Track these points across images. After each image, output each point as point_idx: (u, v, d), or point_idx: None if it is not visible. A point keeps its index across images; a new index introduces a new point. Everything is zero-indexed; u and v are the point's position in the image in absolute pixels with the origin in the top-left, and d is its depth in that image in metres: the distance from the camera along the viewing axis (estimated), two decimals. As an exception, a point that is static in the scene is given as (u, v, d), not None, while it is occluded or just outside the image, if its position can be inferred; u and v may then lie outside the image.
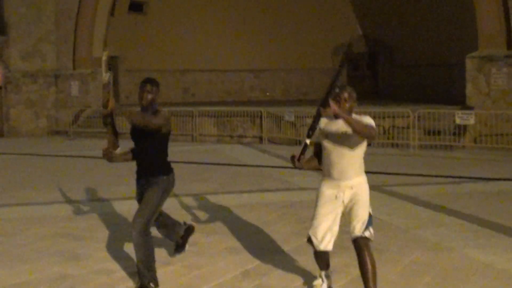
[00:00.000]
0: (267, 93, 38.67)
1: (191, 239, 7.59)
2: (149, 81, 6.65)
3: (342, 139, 5.85)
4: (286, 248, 8.16)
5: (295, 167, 6.12)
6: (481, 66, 21.66)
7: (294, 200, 11.57)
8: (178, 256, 7.34)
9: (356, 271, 6.29)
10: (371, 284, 5.76)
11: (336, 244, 6.17)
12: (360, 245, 5.84)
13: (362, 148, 6.02)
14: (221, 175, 15.54)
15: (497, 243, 8.33)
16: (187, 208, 11.01)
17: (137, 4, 36.53)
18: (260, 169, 16.64)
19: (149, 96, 6.54)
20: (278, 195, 12.45)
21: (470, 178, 14.54)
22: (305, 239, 6.20)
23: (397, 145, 21.18)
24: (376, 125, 17.66)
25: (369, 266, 5.77)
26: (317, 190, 6.14)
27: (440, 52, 31.42)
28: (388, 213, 10.23)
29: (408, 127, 20.76)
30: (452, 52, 29.11)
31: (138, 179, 6.75)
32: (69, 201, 12.13)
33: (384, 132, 21.57)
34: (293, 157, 6.03)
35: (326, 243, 5.99)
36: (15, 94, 32.29)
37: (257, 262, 7.51)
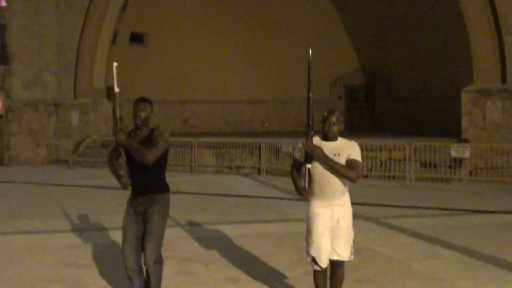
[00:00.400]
0: (266, 124, 38.95)
1: (190, 267, 7.81)
2: (143, 100, 6.80)
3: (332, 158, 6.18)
4: (284, 278, 8.38)
5: (306, 197, 6.38)
6: (476, 100, 22.00)
7: (292, 230, 11.78)
8: (176, 285, 7.57)
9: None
10: None
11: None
12: (338, 265, 6.49)
13: None
14: (220, 206, 15.74)
15: (488, 274, 8.55)
16: (186, 237, 11.21)
17: (138, 35, 36.98)
18: (259, 200, 16.84)
19: (143, 115, 6.68)
20: (276, 226, 12.67)
21: (464, 210, 14.76)
22: (308, 259, 6.53)
23: (393, 177, 21.40)
24: (373, 157, 17.97)
25: (340, 281, 6.57)
26: (308, 211, 6.46)
27: (437, 85, 31.81)
28: (382, 245, 10.46)
29: (404, 160, 21.00)
30: (448, 86, 29.50)
31: (136, 197, 6.68)
32: (71, 229, 12.35)
33: (381, 165, 21.82)
34: (304, 189, 6.28)
35: (326, 261, 6.41)
36: (16, 123, 32.57)
37: (255, 291, 7.74)
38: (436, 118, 30.86)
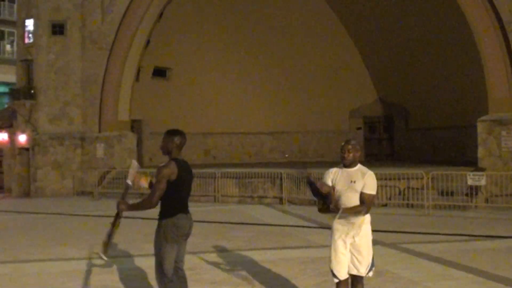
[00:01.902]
0: (286, 155, 39.47)
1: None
2: (165, 132, 7.46)
3: (348, 186, 6.98)
4: (307, 298, 8.98)
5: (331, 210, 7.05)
6: (491, 129, 22.55)
7: (314, 256, 12.34)
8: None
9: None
10: None
11: None
12: (357, 280, 7.11)
13: None
14: (244, 234, 16.34)
15: (500, 294, 9.10)
16: (214, 262, 11.82)
17: (161, 70, 37.87)
18: (282, 228, 17.41)
19: (162, 146, 7.39)
20: (300, 252, 13.24)
21: (480, 236, 15.24)
22: (325, 281, 7.17)
23: (412, 206, 21.87)
24: (392, 186, 18.57)
25: None
26: (331, 226, 7.18)
27: (454, 115, 32.34)
28: (401, 268, 11.02)
29: (422, 188, 21.46)
30: (464, 116, 30.00)
31: None
32: (99, 257, 12.97)
33: (400, 193, 22.32)
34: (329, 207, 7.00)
35: (345, 273, 7.07)
36: (42, 156, 33.33)
37: (281, 309, 8.34)
38: (453, 148, 31.34)
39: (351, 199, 6.93)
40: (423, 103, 35.49)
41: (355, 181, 6.92)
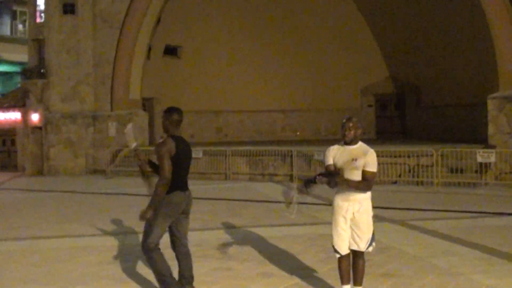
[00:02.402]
0: (297, 133, 39.55)
1: (227, 264, 8.61)
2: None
3: (349, 164, 7.05)
4: (314, 273, 9.11)
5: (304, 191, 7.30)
6: (502, 106, 22.51)
7: (322, 232, 12.43)
8: (215, 279, 8.41)
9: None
10: (359, 281, 7.31)
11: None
12: (358, 254, 7.25)
13: None
14: (254, 211, 16.52)
15: (504, 269, 9.17)
16: (223, 238, 11.98)
17: (172, 48, 37.92)
18: (290, 206, 17.51)
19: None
20: (307, 228, 13.36)
21: (488, 213, 15.31)
22: (331, 256, 7.32)
23: (421, 183, 21.95)
24: (401, 163, 18.58)
25: (361, 270, 7.27)
26: (332, 202, 7.32)
27: (465, 92, 32.26)
28: (407, 244, 11.12)
29: (432, 166, 21.52)
30: (475, 93, 29.94)
31: None
32: (111, 233, 13.21)
33: (409, 171, 22.39)
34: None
35: (346, 248, 7.22)
36: (55, 135, 33.55)
37: (287, 284, 8.49)
38: (464, 125, 31.28)
39: (352, 177, 7.01)
40: (434, 80, 35.41)
41: (357, 159, 7.00)
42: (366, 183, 7.02)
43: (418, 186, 21.88)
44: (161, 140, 7.35)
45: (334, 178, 7.03)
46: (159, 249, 7.36)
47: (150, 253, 7.31)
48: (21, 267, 10.08)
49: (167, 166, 7.12)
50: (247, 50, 39.42)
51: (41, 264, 10.28)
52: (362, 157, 6.99)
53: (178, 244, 7.57)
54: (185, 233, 7.61)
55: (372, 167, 7.02)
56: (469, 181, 21.14)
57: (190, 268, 7.62)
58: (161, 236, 7.36)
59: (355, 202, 7.11)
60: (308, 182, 7.19)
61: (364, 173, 7.00)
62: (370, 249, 7.25)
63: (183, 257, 7.58)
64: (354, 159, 7.00)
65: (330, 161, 7.20)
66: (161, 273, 7.33)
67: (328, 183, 7.08)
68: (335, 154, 7.18)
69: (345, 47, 38.94)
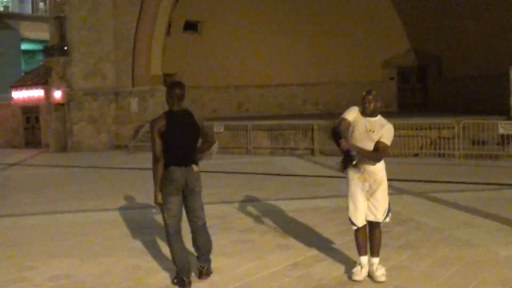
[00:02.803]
0: (319, 107, 39.46)
1: (247, 236, 8.74)
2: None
3: (365, 134, 7.11)
4: (332, 244, 9.20)
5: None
6: (524, 77, 22.32)
7: (342, 205, 12.45)
8: (235, 250, 8.57)
9: (390, 263, 7.43)
10: (376, 252, 7.42)
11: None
12: (374, 225, 7.35)
13: None
14: (274, 184, 16.61)
15: (523, 240, 9.21)
16: (244, 211, 12.10)
17: (192, 23, 37.92)
18: (311, 179, 17.64)
19: None
20: (327, 201, 13.45)
21: (509, 185, 15.25)
22: (351, 226, 7.47)
23: (443, 155, 21.91)
24: (423, 136, 18.54)
25: (378, 241, 7.39)
26: (347, 175, 7.39)
27: (488, 64, 31.96)
28: (427, 216, 11.16)
29: (453, 138, 21.45)
30: (499, 64, 29.62)
31: None
32: (135, 207, 13.40)
33: (431, 143, 22.34)
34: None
35: (363, 220, 7.32)
36: (78, 111, 33.86)
37: (305, 255, 8.58)
38: (488, 97, 31.00)
39: (366, 147, 7.07)
40: (456, 52, 35.09)
41: (374, 131, 7.05)
42: (377, 153, 7.07)
43: (440, 158, 21.84)
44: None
45: (350, 157, 7.11)
46: (179, 235, 7.37)
47: (168, 239, 7.39)
48: (45, 241, 10.29)
49: (155, 145, 7.10)
50: (267, 24, 39.29)
51: (65, 238, 10.49)
52: (379, 130, 7.05)
53: (189, 220, 7.54)
54: (193, 209, 7.46)
55: (386, 139, 7.06)
56: (491, 153, 21.03)
57: (203, 244, 7.58)
58: (174, 218, 7.31)
59: (370, 174, 7.18)
60: (346, 161, 7.25)
61: (377, 143, 7.05)
62: (387, 219, 7.33)
63: (195, 233, 7.55)
64: (371, 131, 7.05)
65: (349, 117, 7.21)
66: (174, 262, 7.39)
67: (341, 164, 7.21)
68: (355, 117, 7.21)
69: (366, 19, 38.68)
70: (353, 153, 7.10)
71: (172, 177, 7.19)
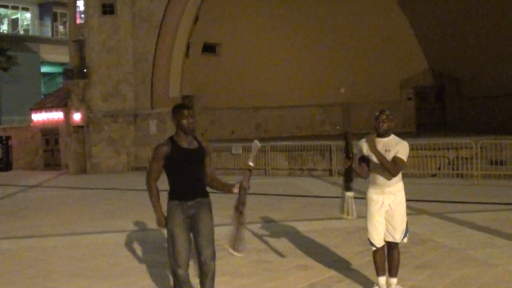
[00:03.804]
0: (337, 127, 39.53)
1: (265, 257, 8.78)
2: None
3: (384, 155, 7.12)
4: (350, 265, 9.23)
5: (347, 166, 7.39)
6: (543, 97, 22.26)
7: (361, 225, 12.48)
8: (253, 271, 8.61)
9: (408, 283, 7.47)
10: (394, 273, 7.42)
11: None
12: (393, 246, 7.36)
13: None
14: (293, 205, 16.67)
15: (542, 261, 9.18)
16: (262, 232, 12.15)
17: (210, 46, 38.21)
18: (330, 199, 17.61)
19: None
20: (346, 222, 13.41)
21: (528, 205, 15.21)
22: (368, 249, 7.51)
23: (461, 175, 21.84)
24: (441, 156, 18.43)
25: (396, 261, 7.38)
26: (366, 196, 7.46)
27: (506, 83, 31.88)
28: (445, 236, 11.16)
29: (472, 158, 21.37)
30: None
31: None
32: (152, 229, 13.48)
33: (449, 163, 22.29)
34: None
35: (381, 241, 7.37)
36: (97, 133, 34.11)
37: (323, 276, 8.62)
38: (506, 116, 30.93)
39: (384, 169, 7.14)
40: (474, 71, 35.06)
41: (390, 150, 7.10)
42: (393, 164, 7.05)
43: (458, 178, 21.78)
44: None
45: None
46: (187, 281, 6.49)
47: (175, 279, 6.51)
48: (66, 262, 10.39)
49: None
50: (285, 46, 39.52)
51: (85, 259, 10.59)
52: (395, 147, 7.09)
53: (198, 261, 6.62)
54: (200, 246, 6.53)
55: (403, 154, 7.08)
56: (510, 173, 20.92)
57: None
58: (183, 256, 6.40)
59: (389, 194, 7.23)
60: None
61: (393, 158, 7.08)
62: (405, 240, 7.35)
63: (201, 276, 6.61)
64: (387, 150, 7.10)
65: (363, 152, 7.30)
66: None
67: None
68: (367, 149, 7.29)
69: (384, 40, 38.81)
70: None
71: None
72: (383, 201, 7.27)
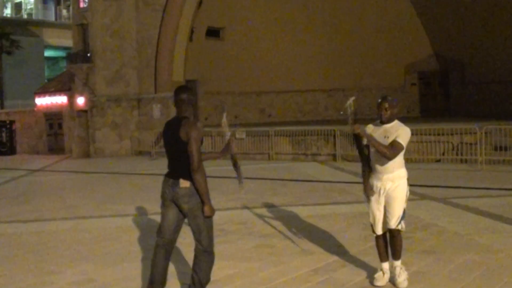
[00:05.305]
0: (341, 112, 39.29)
1: (269, 242, 8.76)
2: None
3: (384, 141, 7.05)
4: (353, 250, 9.21)
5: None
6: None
7: (364, 211, 12.47)
8: (257, 255, 8.60)
9: (412, 268, 7.45)
10: (397, 256, 7.37)
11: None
12: (393, 233, 7.30)
13: None
14: (296, 190, 16.63)
15: (546, 246, 9.16)
16: (265, 217, 12.13)
17: (214, 30, 38.08)
18: (333, 184, 17.63)
19: None
20: (349, 207, 13.45)
21: (532, 190, 15.17)
22: (371, 234, 7.62)
23: (465, 161, 21.77)
24: (445, 141, 18.40)
25: (399, 247, 7.34)
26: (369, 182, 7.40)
27: (511, 69, 31.76)
28: (449, 222, 11.13)
29: (476, 143, 21.30)
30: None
31: None
32: (155, 213, 13.44)
33: (453, 149, 22.22)
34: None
35: (381, 228, 7.36)
36: (101, 117, 34.09)
37: (326, 261, 8.61)
38: (510, 102, 30.85)
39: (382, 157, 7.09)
40: (479, 57, 34.96)
41: (389, 136, 7.03)
42: (389, 148, 6.96)
43: (462, 164, 21.72)
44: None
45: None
46: (162, 245, 6.81)
47: (155, 246, 6.84)
48: (69, 246, 10.40)
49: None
50: (289, 30, 39.39)
51: (88, 243, 10.59)
52: (395, 133, 7.03)
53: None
54: (192, 230, 6.68)
55: (402, 139, 7.00)
56: (515, 158, 20.88)
57: (199, 271, 6.61)
58: (165, 228, 6.81)
59: (387, 181, 7.18)
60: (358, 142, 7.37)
61: (391, 142, 7.01)
62: (400, 226, 7.26)
63: (195, 257, 6.71)
64: (387, 136, 7.03)
65: (363, 140, 7.24)
66: (150, 270, 6.83)
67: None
68: (372, 130, 7.25)
69: (388, 25, 38.67)
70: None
71: (162, 189, 6.84)
72: (380, 187, 7.24)
